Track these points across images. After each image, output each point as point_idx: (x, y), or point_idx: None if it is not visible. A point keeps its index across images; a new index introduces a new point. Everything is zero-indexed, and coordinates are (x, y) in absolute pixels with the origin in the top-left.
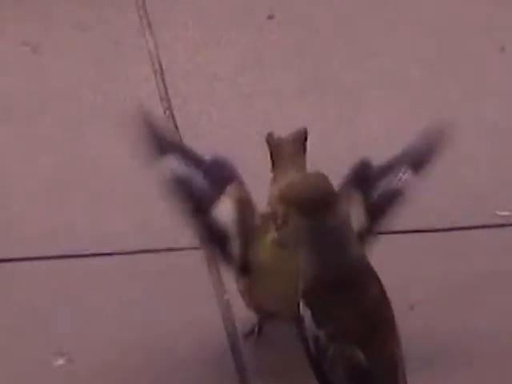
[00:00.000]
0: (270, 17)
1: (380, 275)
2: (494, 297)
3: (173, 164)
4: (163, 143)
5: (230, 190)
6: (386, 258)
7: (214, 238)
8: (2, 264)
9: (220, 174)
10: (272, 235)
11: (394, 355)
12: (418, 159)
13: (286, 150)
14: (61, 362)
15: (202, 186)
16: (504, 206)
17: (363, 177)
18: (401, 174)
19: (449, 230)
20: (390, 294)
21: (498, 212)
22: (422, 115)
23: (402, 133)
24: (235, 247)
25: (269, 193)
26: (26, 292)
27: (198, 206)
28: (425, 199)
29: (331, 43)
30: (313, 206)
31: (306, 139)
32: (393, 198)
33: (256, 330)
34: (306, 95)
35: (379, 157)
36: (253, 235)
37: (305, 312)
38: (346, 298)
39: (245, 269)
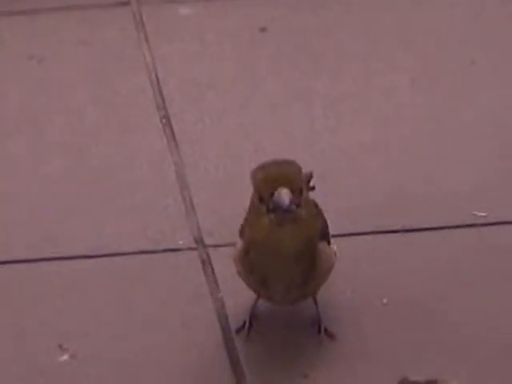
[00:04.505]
0: (263, 30)
1: (357, 274)
2: (471, 297)
3: None
4: None
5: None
6: (362, 257)
7: None
8: (7, 265)
9: None
10: (266, 217)
11: None
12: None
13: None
14: (65, 357)
15: None
16: (482, 206)
17: None
18: None
19: (426, 230)
20: (366, 291)
21: (475, 212)
22: (405, 123)
23: (387, 141)
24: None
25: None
26: (29, 292)
27: None
28: (402, 200)
29: (320, 56)
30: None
31: (309, 181)
32: None
33: (247, 324)
34: (294, 104)
35: (366, 165)
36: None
37: None
38: None
39: (241, 233)
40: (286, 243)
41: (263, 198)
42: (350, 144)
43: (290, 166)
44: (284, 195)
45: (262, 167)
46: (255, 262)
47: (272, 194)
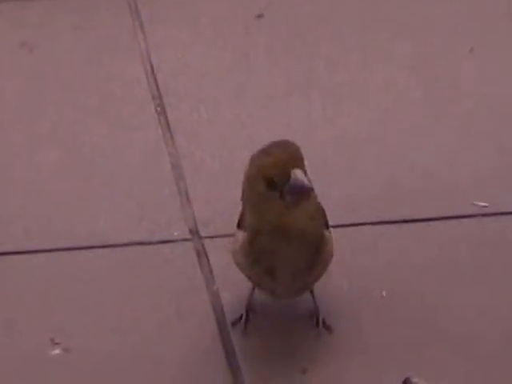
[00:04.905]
0: (259, 16)
1: (355, 266)
2: (472, 289)
3: None
4: None
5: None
6: (360, 248)
7: None
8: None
9: None
10: (279, 201)
11: None
12: None
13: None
14: (57, 351)
15: None
16: (482, 196)
17: None
18: None
19: (426, 221)
20: (365, 283)
21: (476, 202)
22: (404, 113)
23: (386, 131)
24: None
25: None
26: (20, 284)
27: None
28: (401, 190)
29: (318, 43)
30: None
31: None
32: None
33: (244, 317)
34: (291, 94)
35: (365, 155)
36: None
37: None
38: None
39: (240, 224)
40: (301, 222)
41: (275, 183)
42: (348, 134)
43: (293, 146)
44: (301, 176)
45: (267, 151)
46: (262, 251)
47: (287, 178)
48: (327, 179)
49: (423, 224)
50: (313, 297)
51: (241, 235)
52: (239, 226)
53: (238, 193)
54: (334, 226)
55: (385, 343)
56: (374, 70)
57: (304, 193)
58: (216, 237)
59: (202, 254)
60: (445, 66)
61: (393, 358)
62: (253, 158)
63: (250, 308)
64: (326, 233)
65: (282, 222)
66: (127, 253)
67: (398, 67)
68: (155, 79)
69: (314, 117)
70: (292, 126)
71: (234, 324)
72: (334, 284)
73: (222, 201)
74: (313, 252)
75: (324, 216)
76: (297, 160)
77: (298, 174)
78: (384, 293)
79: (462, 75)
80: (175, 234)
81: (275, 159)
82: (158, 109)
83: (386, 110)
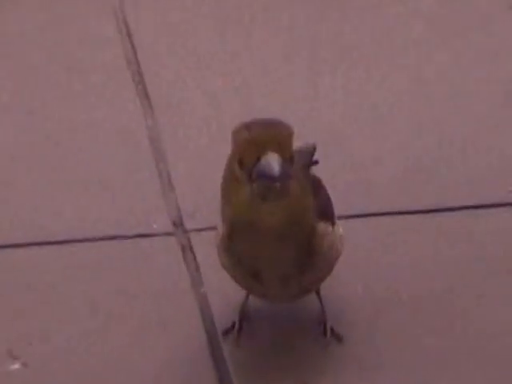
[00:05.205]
0: None
1: (370, 265)
2: (509, 288)
3: None
4: None
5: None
6: (376, 244)
7: None
8: None
9: None
10: (248, 187)
11: None
12: None
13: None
14: (16, 366)
15: None
16: None
17: None
18: None
19: (453, 210)
20: (382, 286)
21: None
22: (428, 80)
23: (407, 103)
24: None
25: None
26: None
27: None
28: (424, 174)
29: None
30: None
31: (312, 155)
32: None
33: (236, 326)
34: (294, 58)
35: (381, 132)
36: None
37: None
38: None
39: (222, 212)
40: (269, 221)
41: (245, 163)
42: (362, 107)
43: (281, 127)
44: (273, 162)
45: (247, 126)
46: (242, 249)
47: (258, 160)
48: (335, 161)
49: (450, 214)
50: (320, 300)
51: (221, 228)
52: (222, 214)
53: None
54: (344, 217)
55: (403, 358)
56: (392, 25)
57: (271, 184)
58: (204, 229)
59: (187, 250)
60: (474, 24)
61: (411, 375)
62: (233, 132)
63: (243, 315)
64: (325, 228)
65: (253, 216)
66: (98, 249)
67: (422, 24)
68: (131, 40)
69: (320, 84)
70: (294, 95)
71: (225, 333)
72: (346, 286)
73: (210, 186)
74: (302, 252)
75: (324, 207)
76: (277, 143)
77: (269, 159)
78: (405, 297)
79: (502, 33)
80: (154, 226)
81: (250, 136)
82: (136, 77)
83: (409, 75)
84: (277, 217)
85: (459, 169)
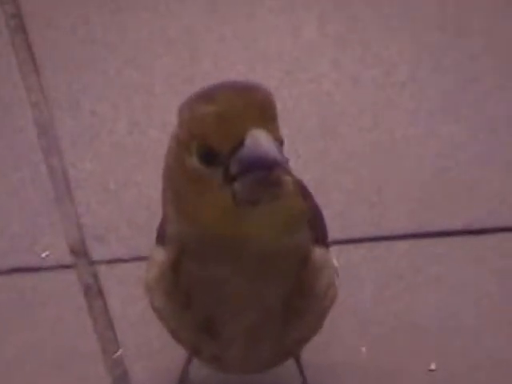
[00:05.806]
0: None
1: (376, 313)
2: None
3: None
4: None
5: None
6: (385, 279)
7: None
8: None
9: None
10: (225, 190)
11: None
12: None
13: None
14: None
15: None
16: None
17: None
18: None
19: (474, 234)
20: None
21: None
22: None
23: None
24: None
25: None
26: None
27: None
28: (446, 201)
29: None
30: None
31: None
32: None
33: None
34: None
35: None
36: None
37: None
38: None
39: (160, 236)
40: (264, 232)
41: (216, 153)
42: (377, 79)
43: (258, 91)
44: (265, 142)
45: (206, 97)
46: (196, 283)
47: (237, 144)
48: (334, 159)
49: (472, 238)
50: (300, 371)
51: (160, 255)
52: (158, 239)
53: (158, 179)
54: (340, 242)
55: None
56: None
57: (266, 176)
58: (117, 261)
59: (92, 292)
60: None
61: None
62: (182, 108)
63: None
64: (319, 254)
65: (229, 229)
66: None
67: None
68: None
69: (316, 40)
70: (281, 50)
71: None
72: (341, 347)
73: (130, 194)
74: (288, 288)
75: (317, 226)
76: (261, 114)
77: (258, 136)
78: (433, 366)
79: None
80: (43, 255)
81: (219, 109)
82: (18, 35)
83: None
84: (266, 226)
85: (479, 187)
